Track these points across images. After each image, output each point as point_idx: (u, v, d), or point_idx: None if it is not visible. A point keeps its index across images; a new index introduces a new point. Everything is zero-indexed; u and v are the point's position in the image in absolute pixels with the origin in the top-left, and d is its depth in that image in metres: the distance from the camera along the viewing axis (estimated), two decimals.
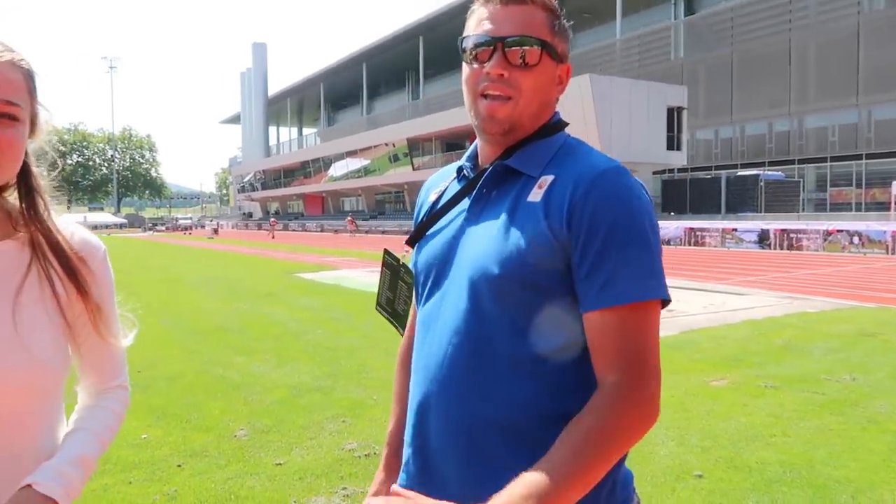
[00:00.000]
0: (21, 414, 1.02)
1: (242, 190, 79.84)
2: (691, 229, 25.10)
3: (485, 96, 1.07)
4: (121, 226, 72.65)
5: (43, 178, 1.11)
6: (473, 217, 1.09)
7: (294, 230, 56.07)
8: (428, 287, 1.14)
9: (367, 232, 44.97)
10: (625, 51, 43.57)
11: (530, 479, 0.89)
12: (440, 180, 1.27)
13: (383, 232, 42.42)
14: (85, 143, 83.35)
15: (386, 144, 48.60)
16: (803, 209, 33.28)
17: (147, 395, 4.93)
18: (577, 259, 0.98)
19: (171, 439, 4.02)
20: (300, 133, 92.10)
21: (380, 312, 1.33)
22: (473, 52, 1.08)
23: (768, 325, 7.65)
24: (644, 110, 32.49)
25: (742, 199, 32.20)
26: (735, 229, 23.71)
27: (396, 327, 1.30)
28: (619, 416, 0.93)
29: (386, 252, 1.30)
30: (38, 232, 1.06)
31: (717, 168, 38.96)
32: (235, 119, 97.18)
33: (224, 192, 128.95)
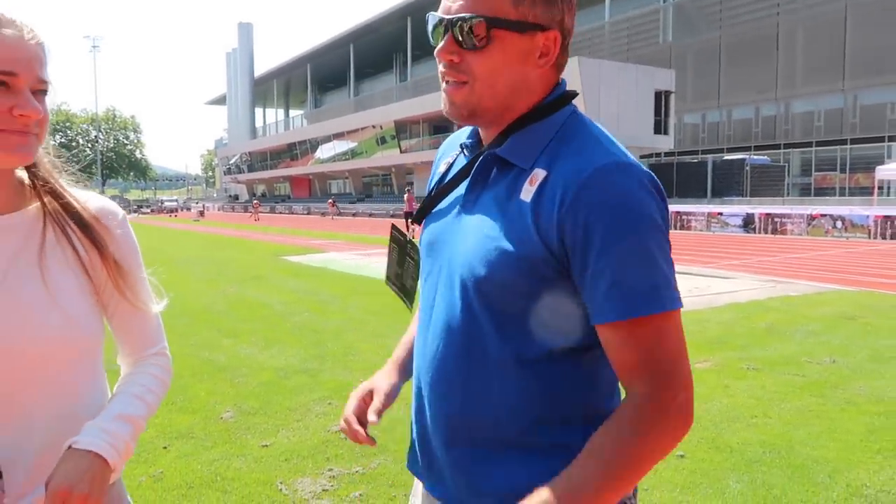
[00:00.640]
0: (61, 375, 1.03)
1: (228, 172, 79.14)
2: (677, 213, 25.23)
3: (446, 81, 1.01)
4: None
5: (47, 147, 1.11)
6: (469, 204, 1.04)
7: (281, 213, 55.77)
8: (425, 273, 1.12)
9: (354, 215, 44.82)
10: (613, 34, 43.45)
11: (561, 486, 0.87)
12: (451, 148, 1.20)
13: (370, 215, 42.28)
14: (68, 124, 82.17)
15: (373, 127, 48.29)
16: (788, 194, 33.56)
17: None
18: (577, 270, 0.91)
19: (156, 421, 4.01)
20: (287, 115, 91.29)
21: (389, 286, 1.30)
22: (431, 36, 1.01)
23: (752, 308, 7.73)
24: (632, 94, 32.48)
25: (728, 183, 32.39)
26: (721, 213, 23.86)
27: (405, 301, 1.26)
28: (648, 431, 0.89)
29: (393, 227, 1.26)
30: (50, 198, 1.08)
31: (704, 152, 39.12)
32: (221, 100, 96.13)
33: (210, 174, 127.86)
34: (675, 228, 24.83)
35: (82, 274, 1.07)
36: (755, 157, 34.64)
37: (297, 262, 14.12)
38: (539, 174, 0.95)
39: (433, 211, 1.13)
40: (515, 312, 0.96)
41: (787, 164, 35.44)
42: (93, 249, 1.08)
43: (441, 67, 1.01)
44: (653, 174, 0.94)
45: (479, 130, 1.09)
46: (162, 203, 75.29)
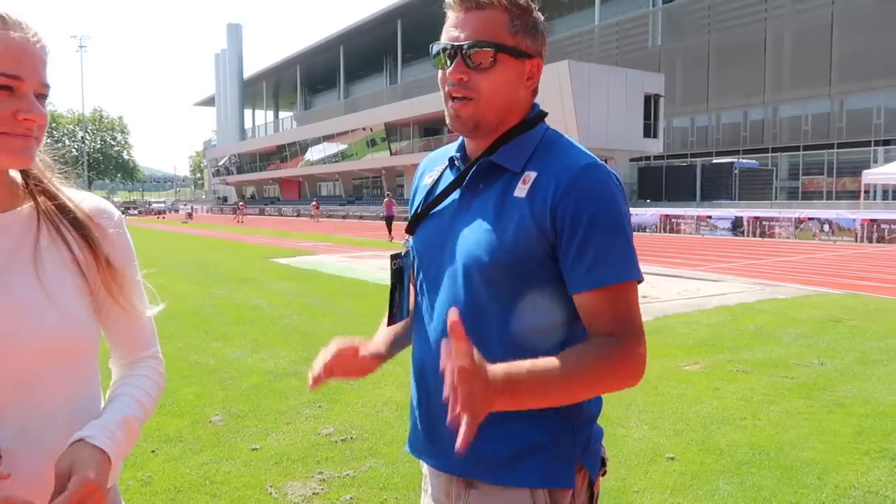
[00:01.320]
0: (57, 374, 1.02)
1: (217, 174, 78.78)
2: (667, 216, 25.36)
3: (453, 98, 1.16)
4: None
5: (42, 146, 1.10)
6: (464, 208, 1.20)
7: (270, 215, 55.56)
8: (422, 272, 1.26)
9: (344, 217, 44.72)
10: (603, 38, 43.64)
11: (537, 364, 1.02)
12: (435, 164, 1.36)
13: (360, 217, 42.18)
14: (54, 125, 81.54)
15: (363, 129, 48.23)
16: (776, 197, 33.77)
17: None
18: (563, 248, 1.10)
19: (145, 425, 3.97)
20: (276, 116, 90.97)
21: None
22: (438, 58, 1.17)
23: (741, 311, 7.78)
24: (622, 97, 32.64)
25: (717, 186, 32.56)
26: (709, 216, 24.00)
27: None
28: (610, 364, 1.07)
29: (393, 258, 1.33)
30: (43, 197, 1.07)
31: (693, 156, 39.33)
32: (210, 101, 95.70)
33: (198, 175, 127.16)
34: (665, 232, 24.96)
35: (78, 274, 1.06)
36: (743, 160, 34.86)
37: (286, 264, 14.07)
38: (531, 175, 1.15)
39: (423, 222, 1.27)
40: (516, 293, 1.13)
41: (775, 168, 35.69)
42: (87, 249, 1.07)
43: (448, 87, 1.16)
44: (617, 174, 1.16)
45: (466, 144, 1.26)
46: (150, 205, 74.80)
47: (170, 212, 66.79)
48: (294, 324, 7.18)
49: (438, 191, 1.26)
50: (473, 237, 1.15)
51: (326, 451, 3.60)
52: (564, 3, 43.67)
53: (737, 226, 22.80)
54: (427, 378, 1.22)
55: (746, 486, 3.16)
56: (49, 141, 1.13)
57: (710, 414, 4.19)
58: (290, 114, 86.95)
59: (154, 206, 72.67)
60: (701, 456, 3.53)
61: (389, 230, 22.21)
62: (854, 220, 19.92)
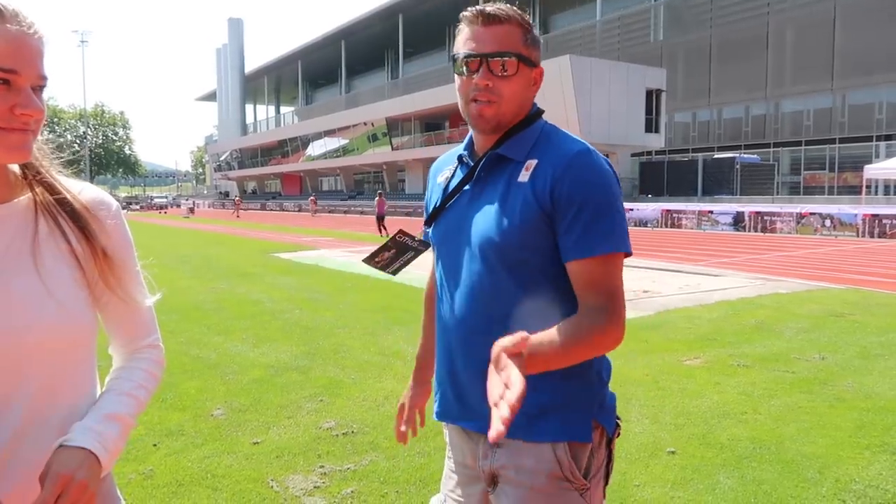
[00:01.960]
0: (54, 366, 1.02)
1: (219, 169, 78.75)
2: (668, 211, 25.33)
3: (475, 101, 1.31)
4: None
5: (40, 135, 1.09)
6: (476, 197, 1.35)
7: (271, 209, 55.56)
8: (443, 256, 1.41)
9: (346, 212, 44.70)
10: (605, 32, 43.53)
11: (543, 338, 1.17)
12: (445, 165, 1.53)
13: (361, 212, 42.16)
14: (56, 120, 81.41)
15: (364, 124, 48.17)
16: (778, 192, 33.72)
17: None
18: (559, 221, 1.25)
19: (146, 418, 3.99)
20: (278, 111, 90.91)
21: (368, 264, 1.66)
22: (462, 66, 1.31)
23: (742, 305, 7.78)
24: (623, 92, 32.55)
25: (718, 181, 32.51)
26: (711, 211, 23.97)
27: (387, 272, 1.65)
28: (603, 328, 1.21)
29: (401, 232, 1.59)
30: (41, 189, 1.06)
31: (695, 151, 39.27)
32: (211, 96, 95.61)
33: (200, 170, 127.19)
34: (666, 226, 24.94)
35: (75, 266, 1.05)
36: (745, 155, 34.76)
37: (287, 258, 14.08)
38: (532, 162, 1.31)
39: (441, 215, 1.43)
40: (528, 268, 1.28)
41: (776, 163, 35.62)
42: (84, 241, 1.06)
43: (473, 91, 1.30)
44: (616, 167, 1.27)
45: (475, 142, 1.42)
46: (151, 200, 74.80)
47: (171, 207, 66.78)
48: (295, 318, 7.19)
49: (452, 186, 1.41)
50: (485, 220, 1.30)
51: (327, 445, 3.60)
52: None
53: (738, 221, 22.77)
54: (453, 351, 1.38)
55: (747, 481, 3.16)
56: (51, 136, 1.12)
57: (710, 408, 4.19)
58: (292, 109, 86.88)
59: (156, 201, 72.67)
60: (702, 450, 3.53)
61: (382, 227, 22.41)
62: (855, 215, 19.89)
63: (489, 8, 1.29)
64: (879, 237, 18.87)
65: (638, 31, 42.43)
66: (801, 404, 4.25)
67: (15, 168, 1.07)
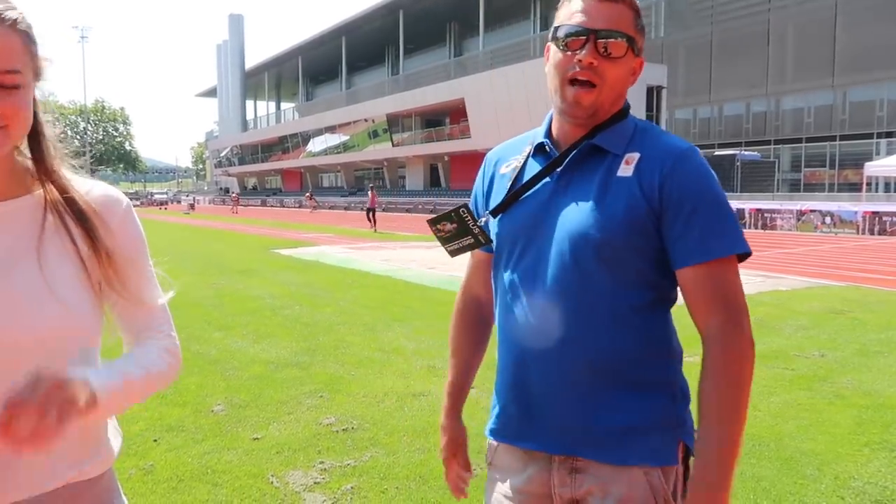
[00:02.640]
0: (56, 367, 0.98)
1: (219, 165, 78.71)
2: None
3: (572, 83, 1.18)
4: None
5: (49, 125, 1.07)
6: (562, 189, 1.22)
7: (272, 206, 55.53)
8: (516, 254, 1.25)
9: (346, 209, 44.67)
10: None
11: (711, 450, 1.12)
12: (509, 154, 1.36)
13: (362, 208, 42.04)
14: (56, 116, 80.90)
15: (365, 120, 48.11)
16: (778, 189, 33.68)
17: None
18: (670, 223, 1.15)
19: (147, 414, 4.00)
20: (278, 107, 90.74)
21: (430, 228, 1.37)
22: (565, 41, 1.18)
23: None
24: None
25: (719, 178, 32.29)
26: None
27: (443, 245, 1.38)
28: (736, 368, 1.17)
29: (466, 208, 1.35)
30: (51, 186, 1.04)
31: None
32: (212, 92, 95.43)
33: (200, 166, 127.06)
34: None
35: (80, 266, 1.03)
36: (746, 152, 34.72)
37: (287, 255, 14.08)
38: (634, 156, 1.19)
39: (511, 207, 1.28)
40: (627, 268, 1.16)
41: (777, 160, 35.58)
42: (88, 241, 1.04)
43: (573, 70, 1.17)
44: None
45: (557, 131, 1.27)
46: (152, 196, 74.76)
47: (172, 203, 66.76)
48: (295, 314, 7.19)
49: (528, 176, 1.27)
50: (579, 216, 1.18)
51: (328, 441, 3.61)
52: None
53: (738, 217, 22.67)
54: (527, 362, 1.23)
55: (746, 477, 3.17)
56: (60, 135, 1.11)
57: None
58: (292, 105, 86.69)
59: (156, 196, 72.62)
60: None
61: (374, 220, 23.04)
62: (856, 212, 19.88)
63: None
64: (880, 234, 18.86)
65: None
66: (801, 401, 4.26)
67: (28, 164, 1.05)
